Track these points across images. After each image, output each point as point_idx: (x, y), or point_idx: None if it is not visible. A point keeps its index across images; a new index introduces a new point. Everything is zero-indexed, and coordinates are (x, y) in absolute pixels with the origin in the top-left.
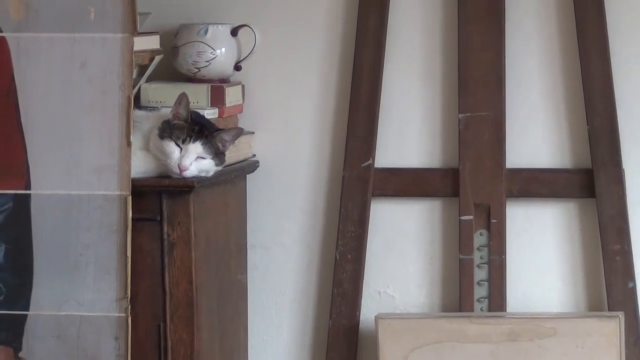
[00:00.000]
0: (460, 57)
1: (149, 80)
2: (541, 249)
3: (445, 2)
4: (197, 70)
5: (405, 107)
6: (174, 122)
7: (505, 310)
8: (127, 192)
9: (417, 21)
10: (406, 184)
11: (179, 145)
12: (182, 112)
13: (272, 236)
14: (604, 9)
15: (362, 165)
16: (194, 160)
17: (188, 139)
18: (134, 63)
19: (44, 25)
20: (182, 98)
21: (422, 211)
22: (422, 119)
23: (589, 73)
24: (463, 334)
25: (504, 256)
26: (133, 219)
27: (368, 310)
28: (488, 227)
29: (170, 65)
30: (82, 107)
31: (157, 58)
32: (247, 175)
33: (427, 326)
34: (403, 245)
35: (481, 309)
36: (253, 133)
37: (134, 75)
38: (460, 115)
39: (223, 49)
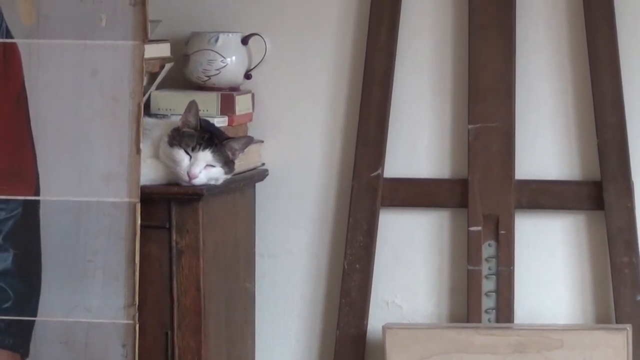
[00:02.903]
0: (470, 67)
1: (159, 87)
2: (549, 261)
3: (456, 12)
4: (207, 78)
5: (415, 117)
6: (184, 129)
7: (513, 322)
8: (136, 200)
9: (428, 31)
10: (415, 194)
11: (188, 153)
12: (192, 119)
13: (281, 245)
14: (615, 21)
15: (372, 174)
16: (204, 168)
17: (198, 146)
18: (144, 70)
19: (55, 31)
20: (192, 106)
21: (431, 221)
22: (431, 129)
23: (599, 85)
24: (470, 345)
25: (512, 267)
26: (142, 226)
27: (376, 320)
28: (497, 238)
29: (181, 73)
30: (92, 113)
31: (168, 66)
32: (256, 184)
33: (435, 336)
34: (411, 256)
35: (489, 320)
36: (262, 142)
37: (145, 83)
38: (470, 126)
39: (233, 58)
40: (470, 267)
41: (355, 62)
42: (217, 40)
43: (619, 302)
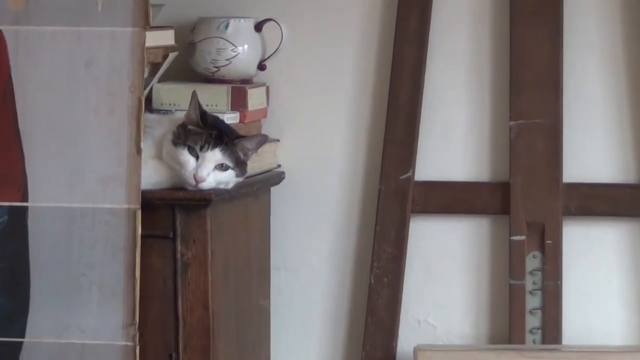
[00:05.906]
0: (512, 57)
1: (161, 80)
2: (602, 274)
3: None
4: (216, 69)
5: (450, 113)
6: (190, 127)
7: (561, 343)
8: (136, 206)
9: (464, 16)
10: (450, 199)
11: (195, 153)
12: (192, 113)
13: (299, 257)
14: None
15: (401, 177)
16: (212, 171)
17: (206, 146)
18: (145, 61)
19: (46, 17)
20: (193, 97)
21: (468, 230)
22: (468, 126)
23: None
24: None
25: (559, 281)
26: (143, 236)
27: (406, 341)
28: (542, 248)
29: (186, 63)
30: (87, 109)
31: (172, 55)
32: (271, 188)
33: (473, 359)
34: (446, 269)
35: (534, 341)
36: (278, 141)
37: (146, 75)
38: (512, 123)
39: (245, 46)
40: (512, 282)
41: (383, 51)
42: (227, 26)
43: None
